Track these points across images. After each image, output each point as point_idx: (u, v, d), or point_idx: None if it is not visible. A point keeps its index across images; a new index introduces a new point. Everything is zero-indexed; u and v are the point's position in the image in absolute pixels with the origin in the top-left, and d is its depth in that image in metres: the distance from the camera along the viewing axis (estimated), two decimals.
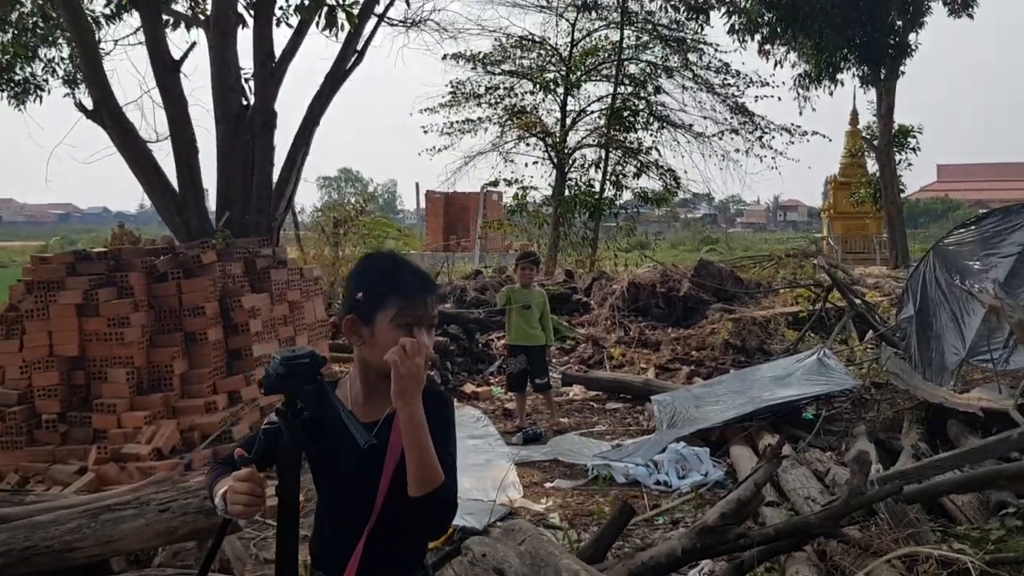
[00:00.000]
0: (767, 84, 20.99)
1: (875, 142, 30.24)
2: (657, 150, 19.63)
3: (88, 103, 10.31)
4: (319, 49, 13.11)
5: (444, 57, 20.47)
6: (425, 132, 20.93)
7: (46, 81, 16.09)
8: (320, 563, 2.18)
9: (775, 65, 26.64)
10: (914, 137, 30.93)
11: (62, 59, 15.81)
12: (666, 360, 10.08)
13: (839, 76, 28.26)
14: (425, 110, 21.07)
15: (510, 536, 3.12)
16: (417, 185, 47.65)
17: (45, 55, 15.75)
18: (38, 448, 7.02)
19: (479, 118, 20.76)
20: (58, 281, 7.34)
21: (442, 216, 44.97)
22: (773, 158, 20.53)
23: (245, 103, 10.53)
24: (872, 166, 32.69)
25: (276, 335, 8.21)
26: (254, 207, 9.94)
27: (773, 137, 20.44)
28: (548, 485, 6.31)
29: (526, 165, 20.34)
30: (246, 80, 10.66)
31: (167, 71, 9.93)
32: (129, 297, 7.35)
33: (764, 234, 72.73)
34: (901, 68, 27.63)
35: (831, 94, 28.77)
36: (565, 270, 15.73)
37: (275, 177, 10.33)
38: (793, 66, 27.42)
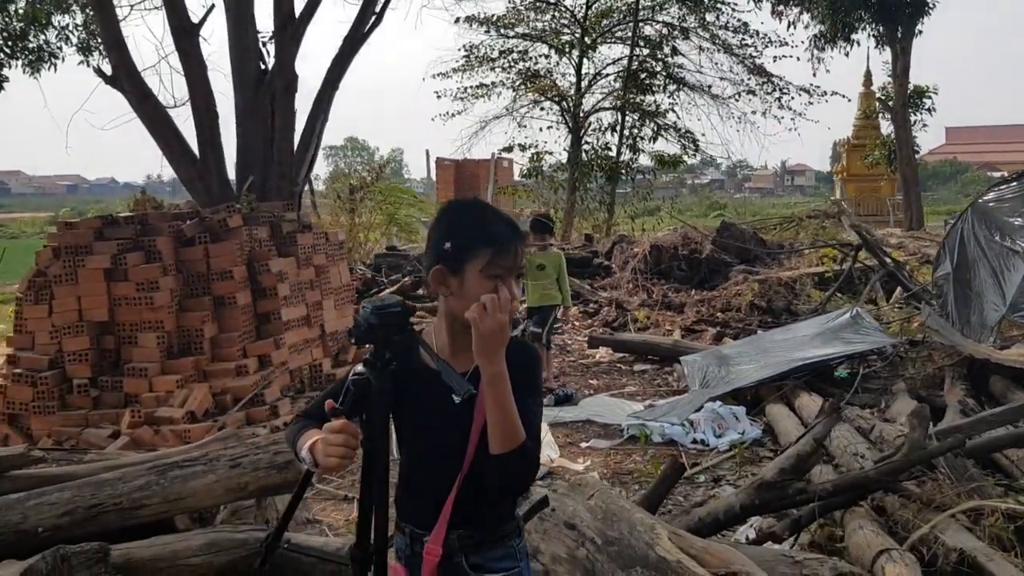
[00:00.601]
0: (786, 44, 20.62)
1: (890, 103, 29.95)
2: (675, 112, 19.45)
3: (106, 69, 10.26)
4: (336, 11, 12.91)
5: (457, 20, 20.27)
6: (439, 97, 20.80)
7: (60, 48, 16.01)
8: (407, 516, 2.13)
9: (788, 27, 26.34)
10: (929, 98, 30.51)
11: (76, 26, 15.71)
12: (691, 322, 10.02)
13: (854, 36, 28.05)
14: (438, 75, 20.89)
15: (578, 491, 3.08)
16: (427, 152, 47.53)
17: (59, 22, 15.66)
18: (71, 412, 7.03)
19: (492, 83, 20.57)
20: (86, 246, 7.30)
21: (452, 183, 44.93)
22: (792, 119, 20.27)
23: (263, 67, 10.44)
24: (886, 128, 32.40)
25: (303, 299, 8.17)
26: (275, 172, 9.88)
27: (792, 98, 20.16)
28: (584, 445, 6.29)
29: (541, 130, 20.22)
30: (264, 43, 10.58)
31: (185, 35, 9.82)
32: (157, 261, 7.31)
33: (772, 199, 72.22)
34: (918, 27, 27.27)
35: (847, 55, 28.51)
36: (584, 234, 15.64)
37: (296, 142, 10.28)
38: (807, 27, 27.16)
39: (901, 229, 25.87)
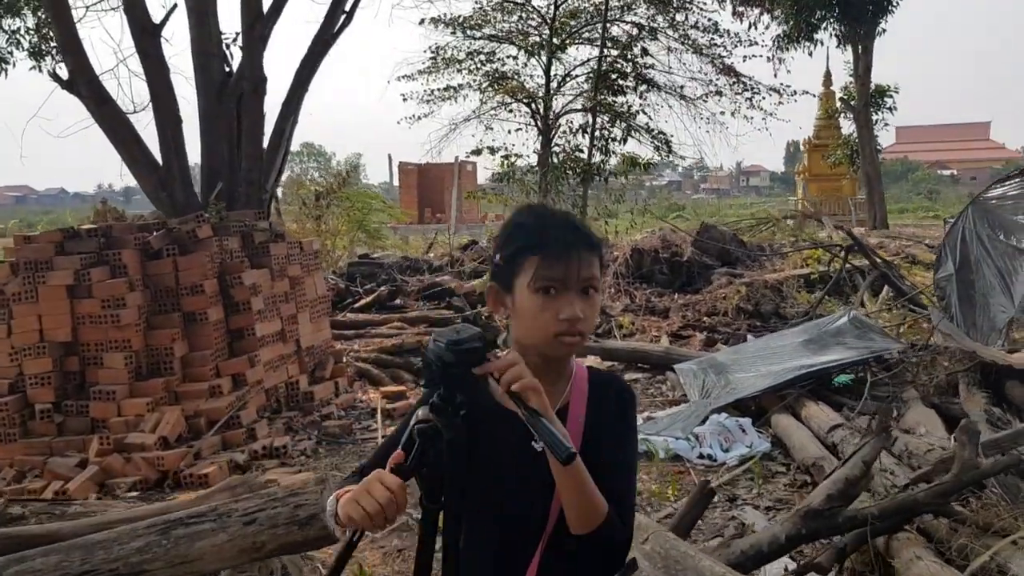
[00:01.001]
0: (755, 43, 20.56)
1: (852, 102, 30.13)
2: (645, 113, 19.25)
3: (61, 73, 9.75)
4: (303, 11, 12.48)
5: (422, 22, 19.89)
6: (405, 100, 20.37)
7: (11, 53, 15.38)
8: None
9: (748, 27, 26.36)
10: (890, 97, 30.78)
11: (28, 30, 15.08)
12: (678, 327, 9.77)
13: (817, 36, 28.18)
14: (403, 77, 20.48)
15: None
16: (390, 157, 46.97)
17: (9, 26, 15.02)
18: (33, 440, 6.56)
19: (459, 85, 20.22)
20: (46, 261, 6.84)
21: (415, 188, 44.46)
22: (764, 119, 20.19)
23: (228, 69, 10.01)
24: (847, 127, 32.62)
25: (278, 313, 7.77)
26: (244, 178, 9.45)
27: (764, 98, 20.08)
28: None
29: (509, 132, 19.88)
30: (227, 45, 10.15)
31: (147, 36, 9.37)
32: (123, 276, 6.87)
33: (728, 199, 72.81)
34: (881, 25, 27.48)
35: (810, 54, 28.67)
36: None
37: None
38: (767, 27, 27.19)
39: (865, 228, 25.97)
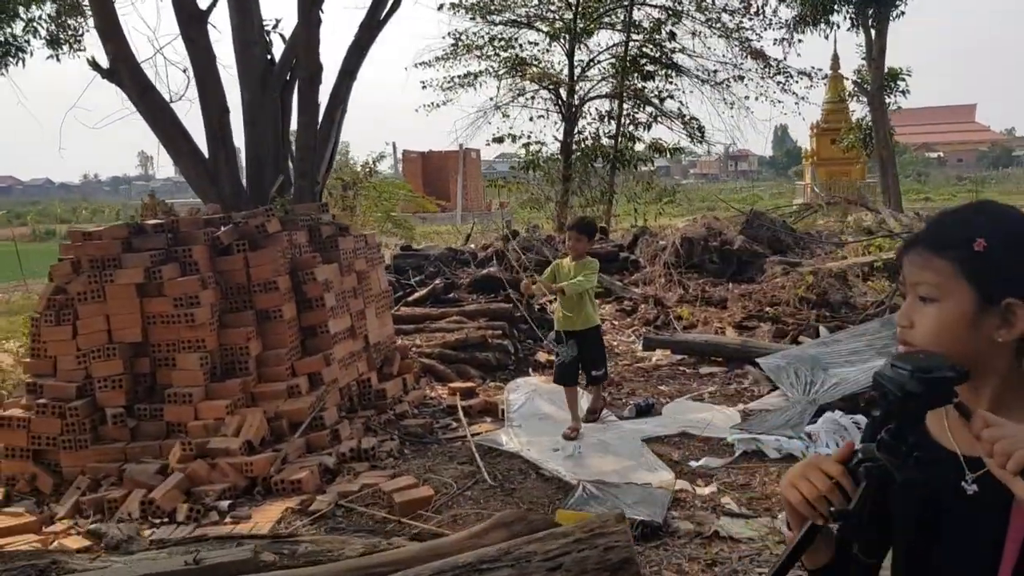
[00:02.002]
0: (785, 25, 20.19)
1: (866, 86, 29.87)
2: (673, 98, 18.93)
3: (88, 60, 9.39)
4: None
5: (441, 7, 19.51)
6: (424, 87, 19.99)
7: (28, 42, 14.99)
8: None
9: (756, 12, 25.99)
10: (903, 80, 30.52)
11: (45, 18, 14.70)
12: (741, 318, 9.52)
13: (832, 18, 27.86)
14: (421, 64, 20.12)
15: None
16: (394, 145, 46.48)
17: (27, 14, 14.62)
18: (106, 446, 6.27)
19: (479, 71, 19.86)
20: (114, 258, 6.53)
21: (420, 176, 44.12)
22: (797, 104, 19.95)
23: (270, 57, 9.68)
24: (860, 111, 32.35)
25: (348, 309, 7.49)
26: (298, 170, 9.14)
27: (797, 81, 19.81)
28: (694, 464, 5.72)
29: (531, 119, 19.54)
30: (269, 31, 9.82)
31: (193, 22, 9.00)
32: (194, 273, 6.58)
33: (718, 184, 72.64)
34: (900, 7, 27.20)
35: (826, 37, 28.37)
36: (600, 227, 15.07)
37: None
38: (774, 12, 26.77)
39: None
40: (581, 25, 18.67)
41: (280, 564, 2.85)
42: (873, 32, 28.60)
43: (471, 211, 38.78)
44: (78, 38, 15.03)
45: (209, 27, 9.24)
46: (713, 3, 18.90)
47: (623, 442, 6.16)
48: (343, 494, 5.53)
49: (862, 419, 5.83)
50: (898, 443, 1.32)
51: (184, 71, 10.61)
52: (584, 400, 7.00)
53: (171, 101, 9.84)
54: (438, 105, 20.38)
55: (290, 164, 9.47)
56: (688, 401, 7.04)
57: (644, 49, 19.00)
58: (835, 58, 36.97)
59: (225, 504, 5.47)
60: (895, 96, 30.43)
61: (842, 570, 1.48)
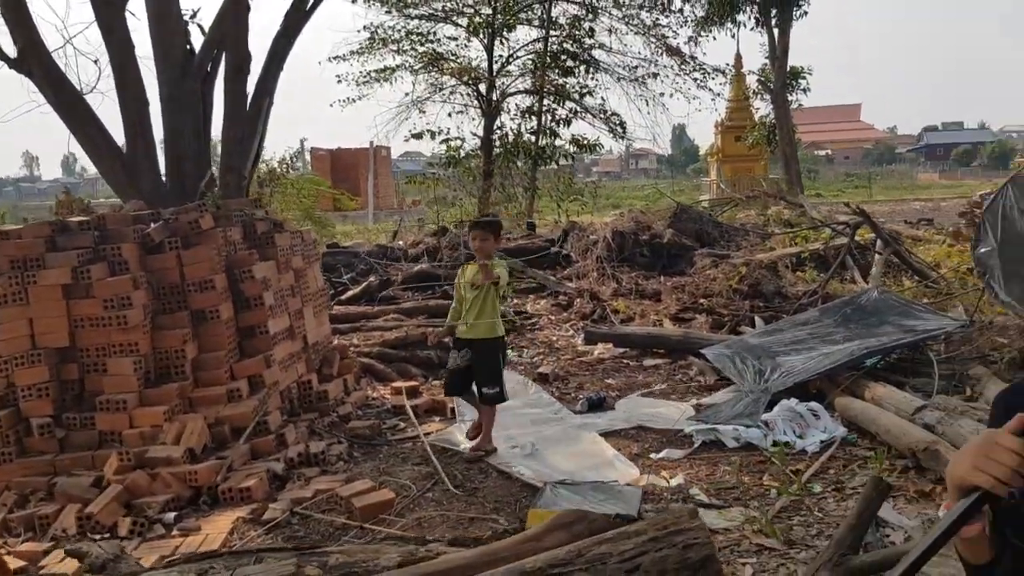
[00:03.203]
0: (695, 24, 20.55)
1: (770, 84, 30.72)
2: (593, 95, 19.00)
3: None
4: None
5: (354, 0, 19.13)
6: (339, 81, 19.55)
7: None
8: None
9: (669, 10, 26.41)
10: (804, 78, 31.49)
11: None
12: (676, 310, 9.58)
13: (738, 18, 28.56)
14: (335, 58, 19.67)
15: None
16: (302, 142, 45.41)
17: None
18: (32, 459, 5.85)
19: (396, 66, 19.55)
20: (36, 258, 6.10)
21: (329, 173, 43.24)
22: (712, 100, 20.32)
23: (189, 47, 9.26)
24: (764, 109, 33.25)
25: (286, 308, 7.20)
26: (224, 164, 8.76)
27: (713, 78, 20.18)
28: (656, 456, 5.68)
29: (449, 115, 19.34)
30: (187, 21, 9.39)
31: (111, 9, 8.52)
32: (125, 273, 6.20)
33: (620, 182, 73.86)
34: (803, 7, 28.04)
35: (733, 36, 29.11)
36: (528, 222, 15.01)
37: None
38: (679, 11, 27.23)
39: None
40: (500, 20, 18.56)
41: None
42: (776, 32, 29.48)
43: (382, 209, 38.31)
44: None
45: (128, 15, 8.79)
46: (629, 1, 19.06)
47: (580, 437, 6.09)
48: (297, 501, 5.28)
49: (817, 406, 5.91)
50: None
51: (96, 62, 10.06)
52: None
53: (83, 93, 9.33)
54: (354, 100, 20.01)
55: (211, 158, 9.09)
56: (639, 397, 7.01)
57: (564, 45, 19.03)
58: (738, 57, 37.86)
59: (171, 516, 5.16)
60: (797, 94, 31.46)
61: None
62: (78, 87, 9.37)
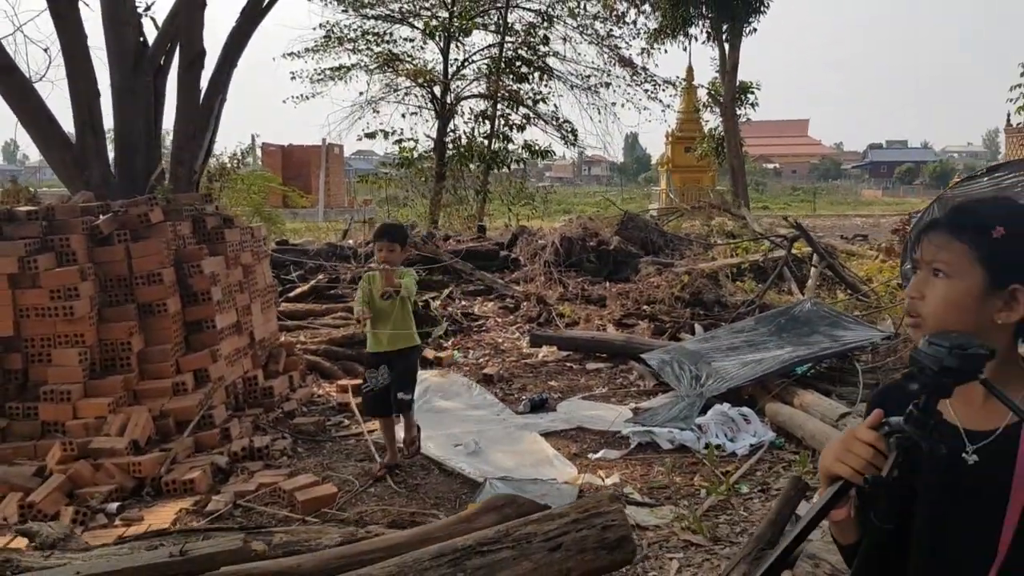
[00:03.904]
0: (648, 35, 20.90)
1: (720, 97, 31.32)
2: (546, 102, 19.25)
3: None
4: None
5: None
6: (293, 78, 19.52)
7: None
8: None
9: (617, 21, 26.80)
10: (752, 93, 32.16)
11: None
12: (620, 316, 9.81)
13: (691, 31, 29.07)
14: (290, 55, 19.64)
15: None
16: (253, 138, 44.95)
17: None
18: None
19: (351, 65, 19.57)
20: None
21: (280, 169, 42.88)
22: (663, 111, 20.73)
23: (142, 39, 9.25)
24: (713, 121, 33.86)
25: (234, 303, 7.25)
26: (175, 158, 8.76)
27: (664, 89, 20.57)
28: (593, 456, 5.88)
29: (403, 116, 19.42)
30: (141, 14, 9.37)
31: None
32: (72, 264, 6.21)
33: (573, 188, 74.44)
34: (753, 24, 28.65)
35: (685, 48, 29.58)
36: (478, 225, 15.15)
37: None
38: (633, 22, 27.63)
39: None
40: (456, 24, 18.71)
41: (269, 554, 2.74)
42: (727, 46, 30.08)
43: (332, 207, 38.12)
44: None
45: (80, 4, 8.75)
46: (585, 10, 19.36)
47: (521, 437, 6.26)
48: (240, 494, 5.36)
49: (748, 411, 6.16)
50: (926, 416, 1.44)
51: (46, 50, 9.99)
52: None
53: (33, 82, 9.25)
54: (307, 97, 19.99)
55: (162, 152, 9.08)
56: (580, 400, 7.21)
57: (519, 51, 19.25)
58: (690, 70, 38.43)
59: (113, 506, 5.21)
60: (745, 108, 32.11)
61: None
62: (27, 75, 9.31)
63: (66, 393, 5.94)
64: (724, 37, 29.87)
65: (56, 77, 10.85)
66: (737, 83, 30.60)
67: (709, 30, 29.35)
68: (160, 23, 9.28)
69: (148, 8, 9.53)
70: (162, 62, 9.15)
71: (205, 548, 2.67)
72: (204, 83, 9.22)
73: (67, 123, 8.75)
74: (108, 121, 8.97)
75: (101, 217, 6.56)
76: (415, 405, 6.02)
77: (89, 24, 8.81)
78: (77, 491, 5.38)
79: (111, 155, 9.04)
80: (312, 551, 2.77)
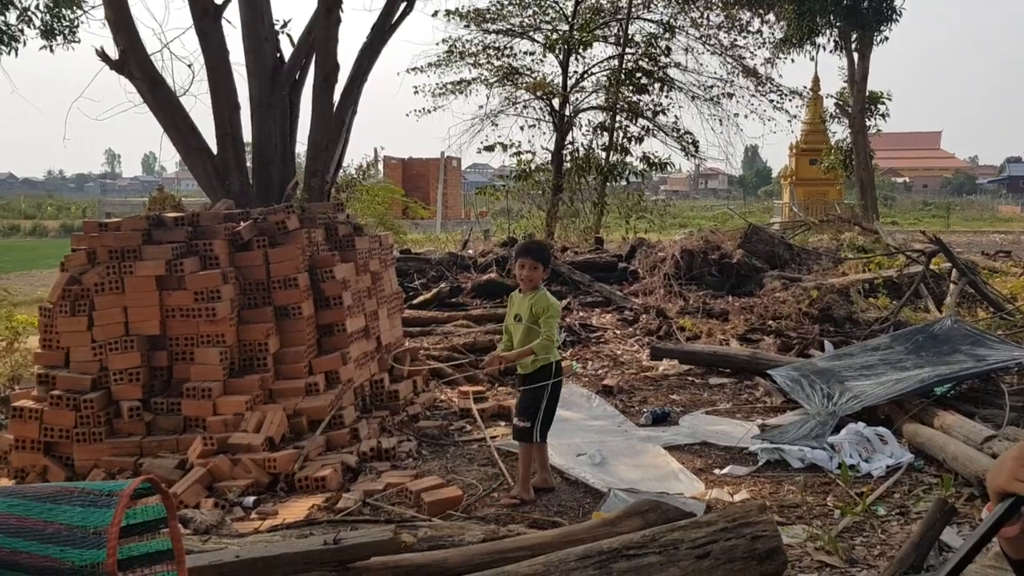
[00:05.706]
0: (773, 46, 20.46)
1: (848, 108, 30.30)
2: (665, 114, 19.08)
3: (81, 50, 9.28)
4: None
5: (435, 14, 19.54)
6: (416, 92, 19.98)
7: (21, 32, 14.76)
8: None
9: (740, 31, 26.26)
10: (883, 103, 30.98)
11: (39, 7, 14.49)
12: (744, 331, 9.59)
13: (819, 40, 28.27)
14: (413, 69, 20.10)
15: None
16: (376, 151, 46.23)
17: (20, 2, 14.40)
18: (121, 440, 6.19)
19: (471, 79, 19.89)
20: (133, 250, 6.46)
21: (400, 182, 43.97)
22: (789, 122, 20.28)
23: (279, 55, 9.65)
24: (840, 133, 32.80)
25: (363, 309, 7.45)
26: (309, 169, 9.10)
27: (791, 99, 20.11)
28: (719, 472, 5.75)
29: (522, 129, 19.59)
30: (278, 31, 9.79)
31: (207, 16, 8.95)
32: (215, 268, 6.52)
33: (688, 201, 73.25)
34: (885, 32, 27.65)
35: (811, 58, 28.82)
36: (596, 237, 15.14)
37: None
38: (757, 32, 27.02)
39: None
40: (577, 37, 18.76)
41: (416, 547, 2.81)
42: (856, 56, 29.11)
43: (449, 219, 38.78)
44: (73, 29, 14.86)
45: (222, 23, 9.21)
46: (708, 20, 19.10)
47: (644, 449, 6.18)
48: (368, 492, 5.48)
49: (885, 431, 5.91)
50: None
51: (190, 66, 10.57)
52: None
53: (178, 96, 9.78)
54: (429, 111, 20.40)
55: (296, 163, 9.43)
56: (704, 415, 7.07)
57: (639, 63, 19.15)
58: (816, 80, 37.47)
59: (250, 500, 5.41)
60: (875, 119, 30.95)
61: None
62: (173, 89, 9.86)
63: (207, 390, 6.22)
64: (853, 46, 29.01)
65: (199, 91, 11.47)
66: (867, 93, 29.64)
67: (837, 39, 28.56)
68: (296, 39, 9.67)
69: (285, 25, 9.97)
70: (297, 77, 9.53)
71: (357, 537, 2.75)
72: (336, 97, 9.59)
73: (209, 135, 9.20)
74: (247, 133, 9.41)
75: (242, 224, 6.87)
76: (535, 433, 5.32)
77: (230, 40, 9.26)
78: (216, 484, 5.62)
79: (249, 165, 9.47)
80: (456, 546, 2.81)
